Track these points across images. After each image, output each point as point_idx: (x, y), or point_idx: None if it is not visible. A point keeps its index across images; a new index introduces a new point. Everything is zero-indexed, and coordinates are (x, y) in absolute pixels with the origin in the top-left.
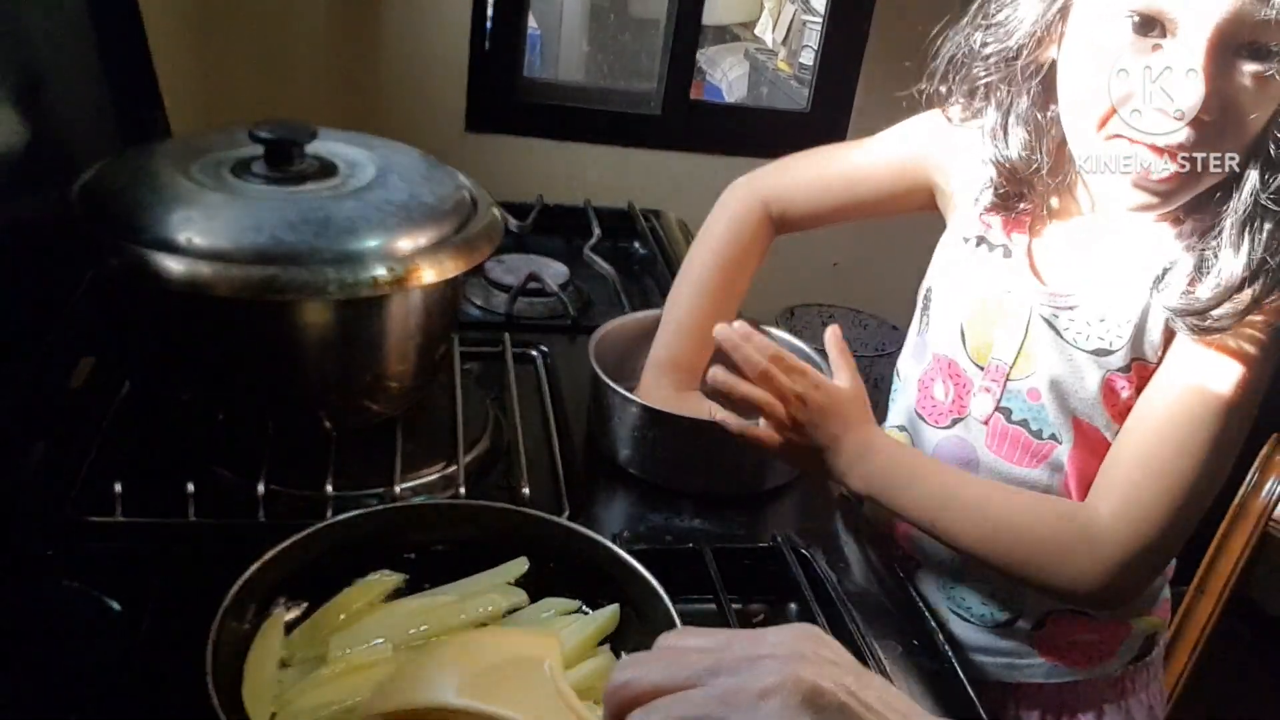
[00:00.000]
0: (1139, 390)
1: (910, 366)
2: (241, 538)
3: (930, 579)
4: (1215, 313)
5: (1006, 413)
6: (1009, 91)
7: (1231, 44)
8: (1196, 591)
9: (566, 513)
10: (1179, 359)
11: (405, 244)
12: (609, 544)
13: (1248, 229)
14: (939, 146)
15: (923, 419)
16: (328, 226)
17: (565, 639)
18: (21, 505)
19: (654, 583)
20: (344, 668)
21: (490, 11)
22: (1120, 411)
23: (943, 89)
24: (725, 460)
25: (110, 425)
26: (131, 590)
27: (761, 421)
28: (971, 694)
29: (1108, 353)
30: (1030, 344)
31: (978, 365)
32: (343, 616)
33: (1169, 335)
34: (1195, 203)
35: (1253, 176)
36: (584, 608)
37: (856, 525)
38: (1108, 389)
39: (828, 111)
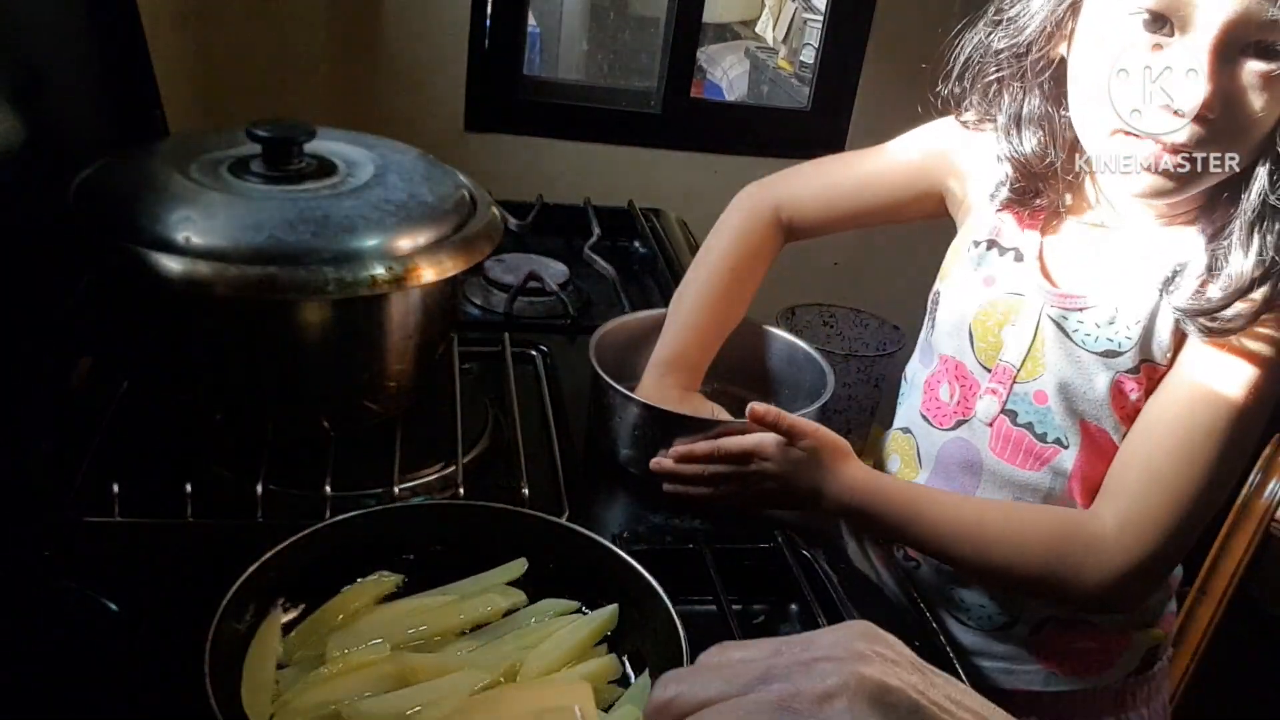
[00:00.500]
0: (1148, 393)
1: (917, 369)
2: (240, 538)
3: (929, 581)
4: (1225, 314)
5: (1012, 415)
6: (1021, 88)
7: (1238, 42)
8: (1199, 592)
9: (566, 513)
10: (1188, 364)
11: (404, 243)
12: (609, 544)
13: (1257, 229)
14: (952, 152)
15: (928, 421)
16: (326, 226)
17: (565, 639)
18: (20, 506)
19: (654, 583)
20: (342, 668)
21: (490, 10)
22: (1129, 414)
23: (957, 89)
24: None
25: (108, 425)
26: (130, 591)
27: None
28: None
29: (1116, 354)
30: (1039, 346)
31: (985, 367)
32: (341, 616)
33: (1179, 338)
34: (1205, 204)
35: (1261, 176)
36: (583, 608)
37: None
38: (1116, 391)
39: (828, 110)
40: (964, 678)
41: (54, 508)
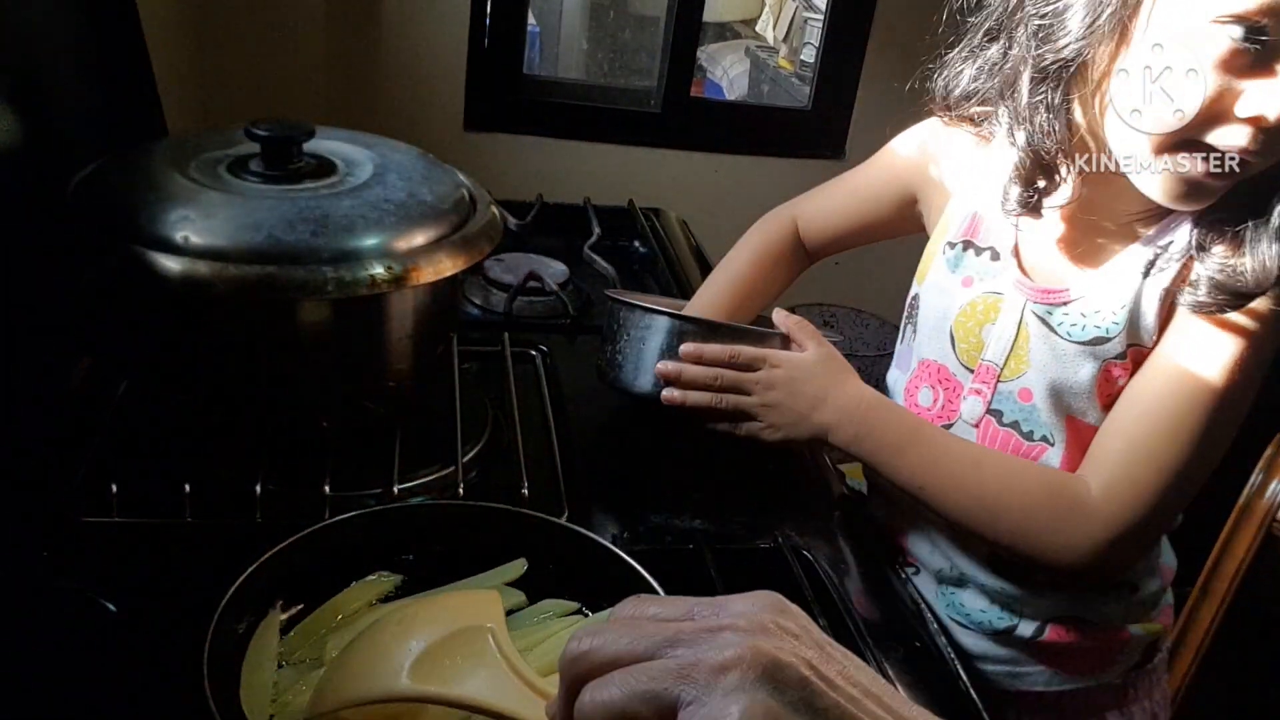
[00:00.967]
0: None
1: (896, 377)
2: (239, 538)
3: (929, 585)
4: (1227, 295)
5: (998, 415)
6: (1044, 85)
7: None
8: (1200, 593)
9: (566, 513)
10: (1175, 337)
11: (403, 243)
12: (609, 545)
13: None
14: (925, 154)
15: None
16: (326, 225)
17: (565, 640)
18: (18, 506)
19: (654, 583)
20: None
21: (490, 8)
22: (1114, 403)
23: (968, 87)
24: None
25: (107, 425)
26: (128, 591)
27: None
28: (975, 696)
29: (1104, 340)
30: (1022, 343)
31: (968, 368)
32: (340, 616)
33: (1165, 316)
34: None
35: None
36: (584, 609)
37: (857, 527)
38: (1103, 379)
39: (829, 109)
40: (967, 681)
41: (53, 508)
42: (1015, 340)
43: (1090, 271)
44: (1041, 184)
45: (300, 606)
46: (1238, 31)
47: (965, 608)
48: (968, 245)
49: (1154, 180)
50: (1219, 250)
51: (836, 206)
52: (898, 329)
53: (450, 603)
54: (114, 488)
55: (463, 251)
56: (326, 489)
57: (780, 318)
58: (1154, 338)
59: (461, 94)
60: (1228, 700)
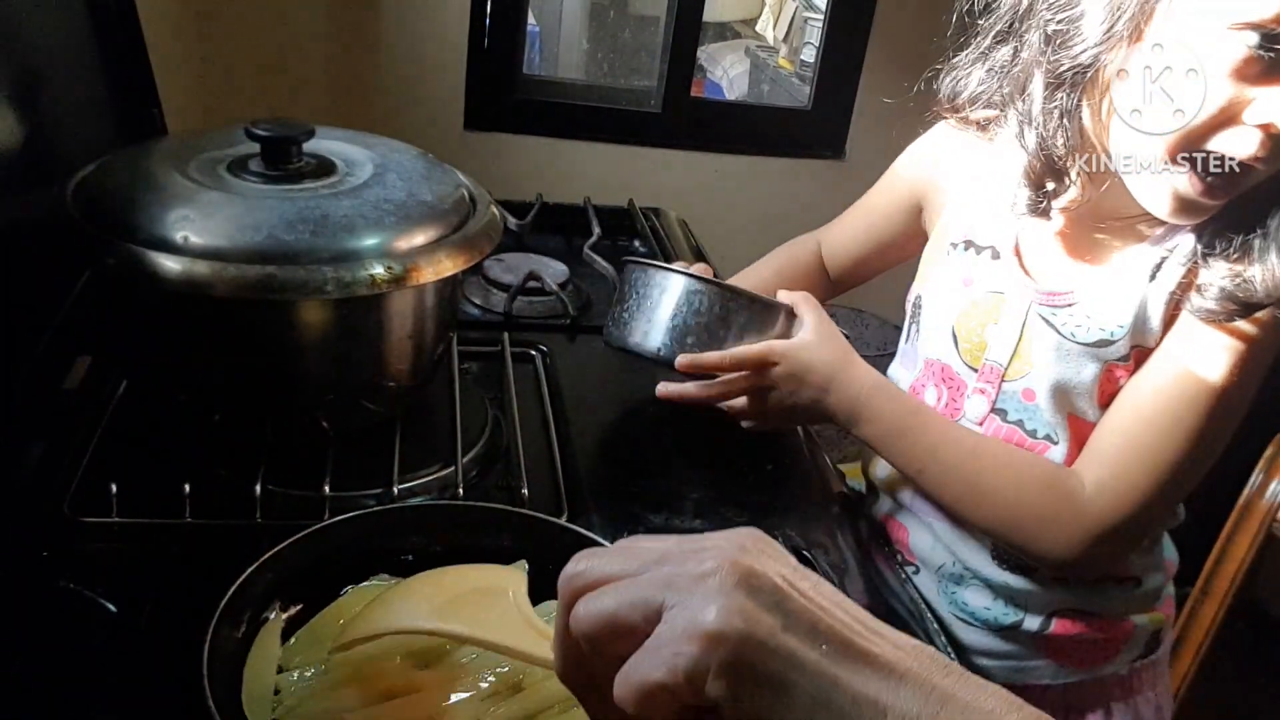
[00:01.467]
0: None
1: (900, 373)
2: (238, 539)
3: (930, 584)
4: (1232, 303)
5: (1002, 414)
6: (1059, 91)
7: None
8: (1201, 593)
9: (566, 514)
10: (1178, 341)
11: (403, 243)
12: (609, 545)
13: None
14: (928, 162)
15: None
16: (325, 225)
17: None
18: (17, 506)
19: None
20: (345, 675)
21: (489, 8)
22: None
23: (976, 87)
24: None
25: (107, 425)
26: (128, 592)
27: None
28: None
29: (1108, 343)
30: (1026, 343)
31: (971, 367)
32: (341, 621)
33: (1168, 321)
34: None
35: None
36: None
37: (857, 527)
38: (1105, 380)
39: (829, 109)
40: None
41: (52, 508)
42: (1019, 340)
43: (1095, 274)
44: (1051, 186)
45: (301, 608)
46: (1254, 39)
47: (969, 604)
48: (968, 245)
49: (1151, 192)
50: (1227, 258)
51: (853, 229)
52: (898, 329)
53: (480, 570)
54: (114, 488)
55: (463, 251)
56: (326, 489)
57: (784, 294)
58: (1158, 340)
59: (461, 94)
60: (1228, 700)
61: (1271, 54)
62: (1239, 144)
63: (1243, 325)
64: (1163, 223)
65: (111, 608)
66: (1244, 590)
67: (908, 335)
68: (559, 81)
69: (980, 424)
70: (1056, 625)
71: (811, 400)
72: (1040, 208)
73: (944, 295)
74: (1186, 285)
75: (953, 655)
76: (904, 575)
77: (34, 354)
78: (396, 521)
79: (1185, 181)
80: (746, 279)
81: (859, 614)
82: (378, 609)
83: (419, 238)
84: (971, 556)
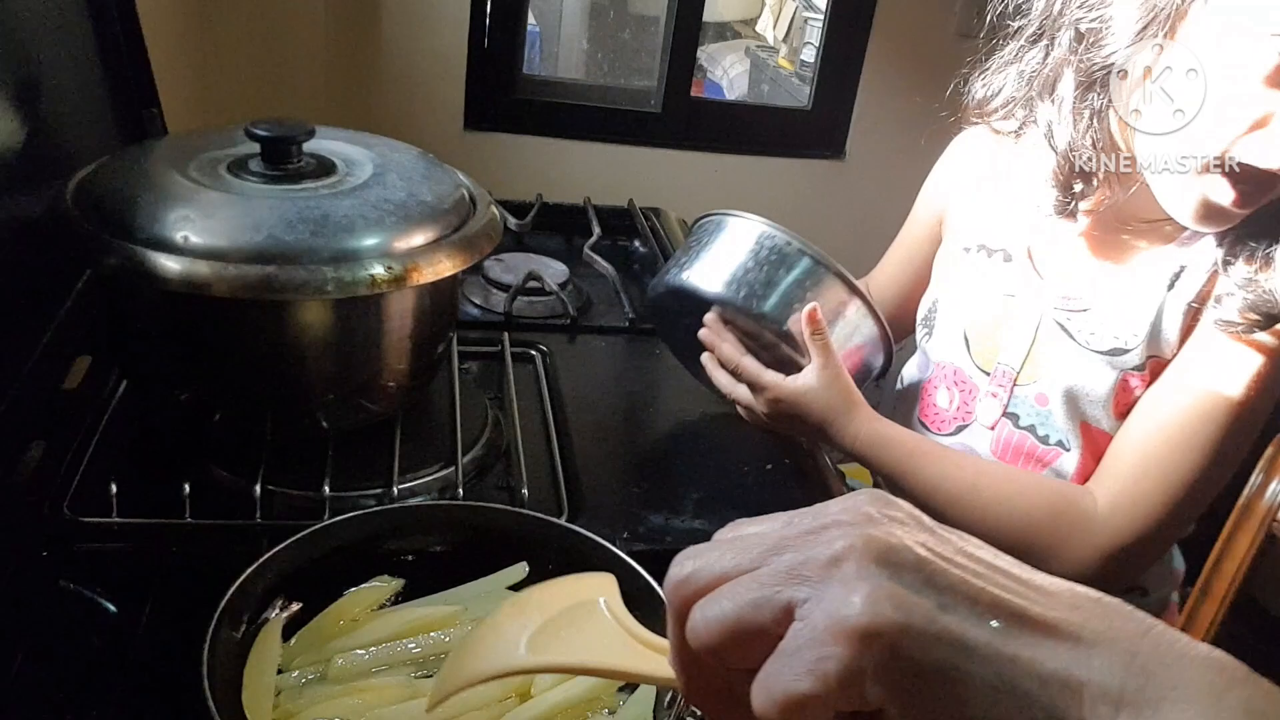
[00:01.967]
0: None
1: (913, 373)
2: (238, 539)
3: None
4: (1253, 314)
5: (1014, 418)
6: (1090, 91)
7: None
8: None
9: (565, 514)
10: (1196, 353)
11: (403, 243)
12: (609, 545)
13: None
14: (946, 181)
15: (925, 427)
16: (325, 225)
17: None
18: (17, 506)
19: (653, 583)
20: (347, 679)
21: (489, 9)
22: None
23: (1009, 91)
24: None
25: (106, 425)
26: (128, 592)
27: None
28: None
29: (1123, 352)
30: (1039, 348)
31: (983, 371)
32: (341, 623)
33: (1186, 331)
34: None
35: None
36: None
37: None
38: (1121, 389)
39: (829, 109)
40: None
41: (51, 508)
42: (1032, 344)
43: (1111, 280)
44: (1079, 188)
45: (301, 608)
46: None
47: None
48: (981, 248)
49: (1179, 198)
50: (1247, 268)
51: (893, 266)
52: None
53: (563, 585)
54: (113, 488)
55: (463, 251)
56: (326, 489)
57: (803, 324)
58: (1174, 350)
59: (461, 94)
60: None
61: None
62: (1271, 151)
63: (1262, 338)
64: (1183, 230)
65: (111, 608)
66: (1244, 591)
67: (923, 337)
68: (559, 81)
69: (992, 428)
70: None
71: (805, 434)
72: (1068, 209)
73: (956, 298)
74: (1205, 296)
75: None
76: None
77: (33, 354)
78: (396, 521)
79: (1217, 188)
80: None
81: (1018, 571)
82: (466, 655)
83: (419, 238)
84: None
